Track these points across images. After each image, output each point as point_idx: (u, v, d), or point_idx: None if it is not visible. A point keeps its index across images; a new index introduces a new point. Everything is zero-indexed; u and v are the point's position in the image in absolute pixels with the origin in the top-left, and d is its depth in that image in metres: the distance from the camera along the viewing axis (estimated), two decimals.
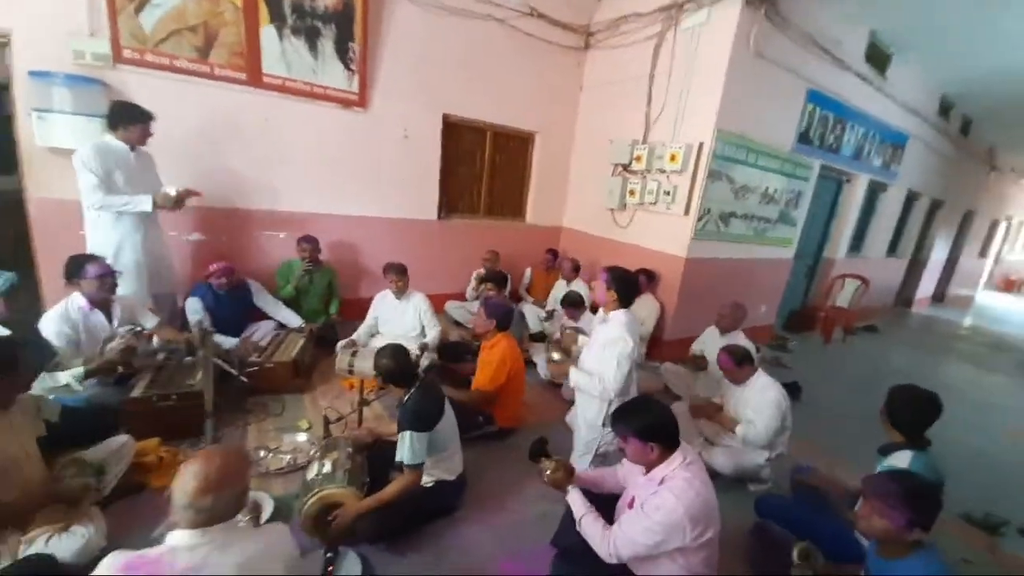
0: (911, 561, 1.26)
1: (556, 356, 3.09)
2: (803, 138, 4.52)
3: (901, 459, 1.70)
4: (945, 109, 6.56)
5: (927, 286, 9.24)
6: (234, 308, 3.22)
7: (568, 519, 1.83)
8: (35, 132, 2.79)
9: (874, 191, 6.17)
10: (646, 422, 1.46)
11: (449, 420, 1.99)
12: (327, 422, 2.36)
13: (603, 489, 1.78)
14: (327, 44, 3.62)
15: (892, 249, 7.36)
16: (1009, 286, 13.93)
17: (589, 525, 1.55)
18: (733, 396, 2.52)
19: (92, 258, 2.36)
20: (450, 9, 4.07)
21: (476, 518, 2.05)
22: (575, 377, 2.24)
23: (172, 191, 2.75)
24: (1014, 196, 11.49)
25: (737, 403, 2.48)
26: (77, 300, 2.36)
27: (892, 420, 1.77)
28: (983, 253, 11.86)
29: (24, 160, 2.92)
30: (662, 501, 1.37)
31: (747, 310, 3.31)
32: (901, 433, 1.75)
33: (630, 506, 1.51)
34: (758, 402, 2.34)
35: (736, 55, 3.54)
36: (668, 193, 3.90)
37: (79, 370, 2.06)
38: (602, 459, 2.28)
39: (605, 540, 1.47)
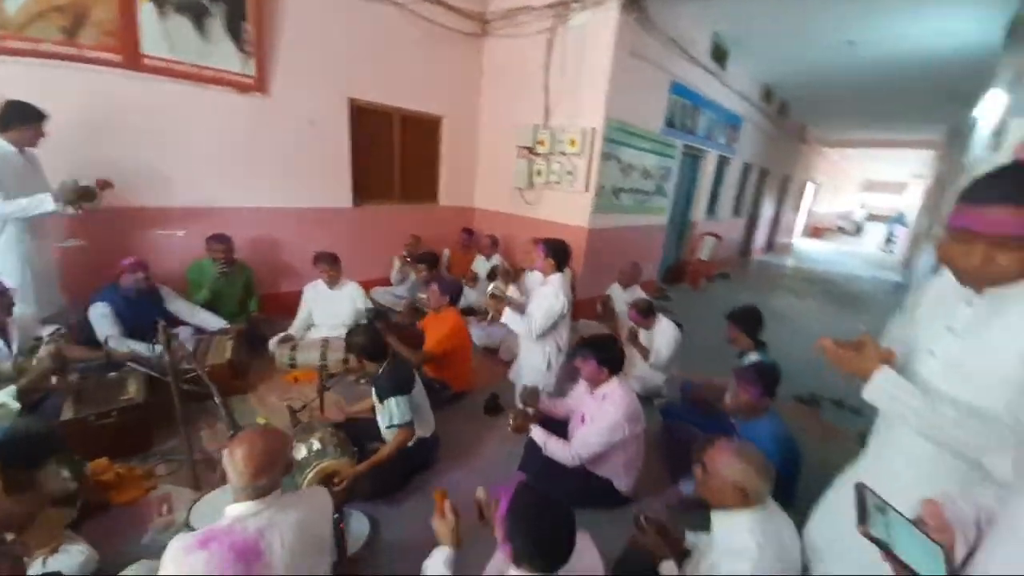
0: (763, 421, 1.93)
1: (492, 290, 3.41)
2: (669, 123, 5.41)
3: (751, 357, 2.46)
4: (767, 95, 8.16)
5: (761, 238, 11.52)
6: (148, 314, 2.97)
7: (530, 450, 2.28)
8: None
9: (721, 164, 7.53)
10: (605, 353, 1.94)
11: (419, 384, 2.27)
12: (292, 411, 2.46)
13: (556, 415, 2.23)
14: (215, 23, 3.36)
15: (736, 211, 9.05)
16: (817, 233, 17.84)
17: (553, 445, 2.00)
18: (643, 337, 3.18)
19: None
20: None
21: (453, 466, 2.40)
22: (508, 316, 2.65)
23: (81, 181, 2.47)
24: (817, 162, 14.64)
25: (646, 341, 3.14)
26: None
27: (740, 327, 2.52)
28: (797, 209, 14.98)
29: None
30: (606, 411, 1.87)
31: (641, 268, 4.04)
32: (747, 336, 2.51)
33: (582, 421, 1.99)
34: (660, 340, 3.01)
35: (616, 53, 4.13)
36: (570, 173, 4.44)
37: (11, 388, 1.90)
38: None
39: (567, 450, 1.93)
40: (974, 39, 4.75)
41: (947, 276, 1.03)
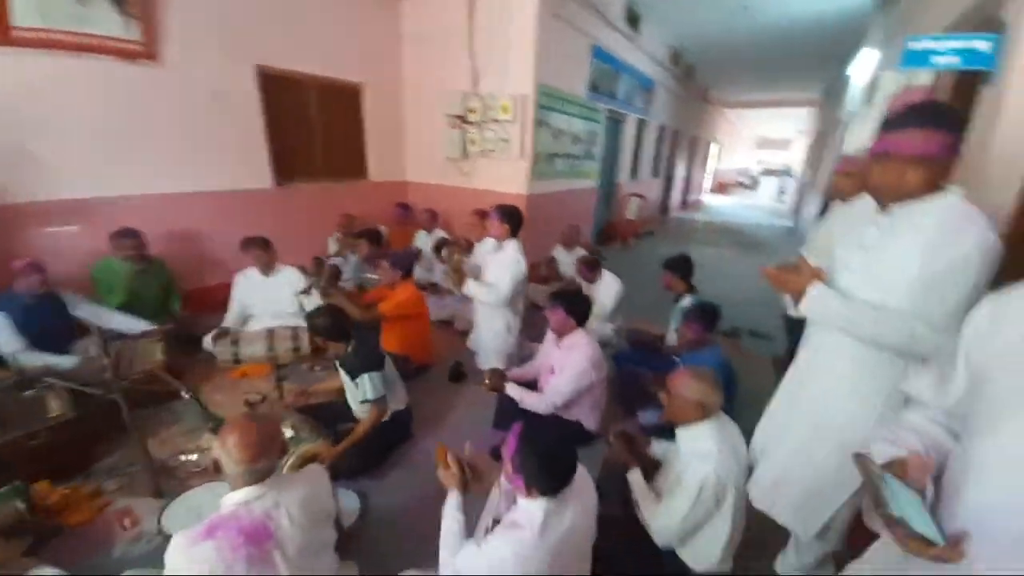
0: (705, 352, 2.21)
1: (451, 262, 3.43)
2: (593, 88, 5.57)
3: (686, 301, 2.75)
4: (675, 59, 8.63)
5: (676, 196, 12.42)
6: (52, 321, 2.62)
7: (501, 409, 2.41)
8: None
9: (640, 127, 7.93)
10: (573, 304, 2.08)
11: (387, 359, 2.27)
12: (250, 405, 2.35)
13: (526, 378, 2.37)
14: None
15: (655, 171, 9.65)
16: (722, 188, 19.56)
17: (529, 398, 2.14)
18: (587, 291, 3.39)
19: None
20: None
21: (429, 433, 2.46)
22: (472, 287, 2.72)
23: None
24: (719, 123, 15.87)
25: (592, 296, 3.35)
26: None
27: (676, 273, 2.80)
28: (704, 167, 16.27)
29: None
30: (574, 360, 2.03)
31: (580, 229, 4.24)
32: (682, 280, 2.80)
33: (552, 372, 2.15)
34: (604, 293, 3.24)
35: (540, 16, 4.14)
36: (504, 140, 4.46)
37: None
38: (513, 359, 2.89)
39: (542, 400, 2.08)
40: (850, 2, 5.37)
41: (853, 208, 1.26)
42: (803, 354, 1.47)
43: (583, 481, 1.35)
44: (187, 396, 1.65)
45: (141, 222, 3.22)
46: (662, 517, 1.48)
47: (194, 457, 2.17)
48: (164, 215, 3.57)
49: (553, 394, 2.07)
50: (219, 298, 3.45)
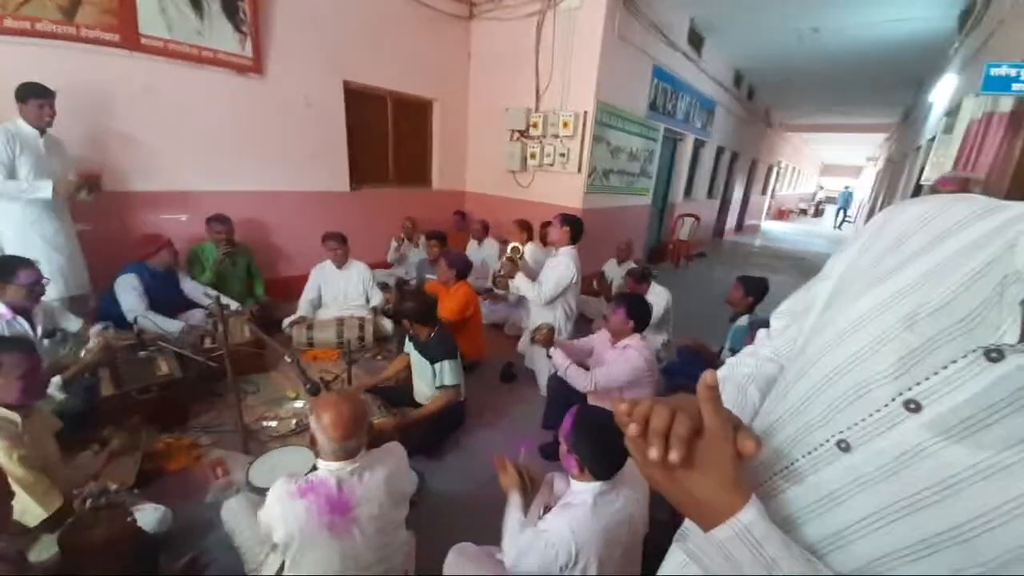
0: None
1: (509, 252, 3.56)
2: (652, 106, 5.64)
3: (743, 320, 2.74)
4: (738, 80, 8.53)
5: (732, 219, 12.07)
6: (168, 292, 3.03)
7: (551, 408, 2.49)
8: None
9: (697, 147, 7.86)
10: (635, 308, 2.16)
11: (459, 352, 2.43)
12: (326, 383, 2.57)
13: (574, 355, 2.43)
14: (213, 3, 3.32)
15: (710, 192, 9.48)
16: (781, 215, 18.73)
17: (573, 370, 2.22)
18: None
19: (24, 262, 2.10)
20: None
21: (479, 425, 2.59)
22: (519, 280, 2.87)
23: (71, 176, 2.49)
24: (781, 146, 15.33)
25: None
26: None
27: (747, 290, 2.79)
28: (764, 191, 15.69)
29: None
30: (630, 356, 2.10)
31: (633, 244, 4.29)
32: (751, 300, 2.79)
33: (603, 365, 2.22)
34: (653, 302, 3.27)
35: (606, 37, 4.30)
36: (563, 155, 4.62)
37: (57, 379, 1.95)
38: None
39: (587, 377, 2.15)
40: (929, 26, 5.15)
41: None
42: None
43: (635, 474, 1.41)
44: (288, 360, 1.86)
45: (232, 213, 3.60)
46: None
47: (274, 424, 2.41)
48: (252, 209, 3.98)
49: (602, 375, 2.13)
50: (293, 288, 3.80)
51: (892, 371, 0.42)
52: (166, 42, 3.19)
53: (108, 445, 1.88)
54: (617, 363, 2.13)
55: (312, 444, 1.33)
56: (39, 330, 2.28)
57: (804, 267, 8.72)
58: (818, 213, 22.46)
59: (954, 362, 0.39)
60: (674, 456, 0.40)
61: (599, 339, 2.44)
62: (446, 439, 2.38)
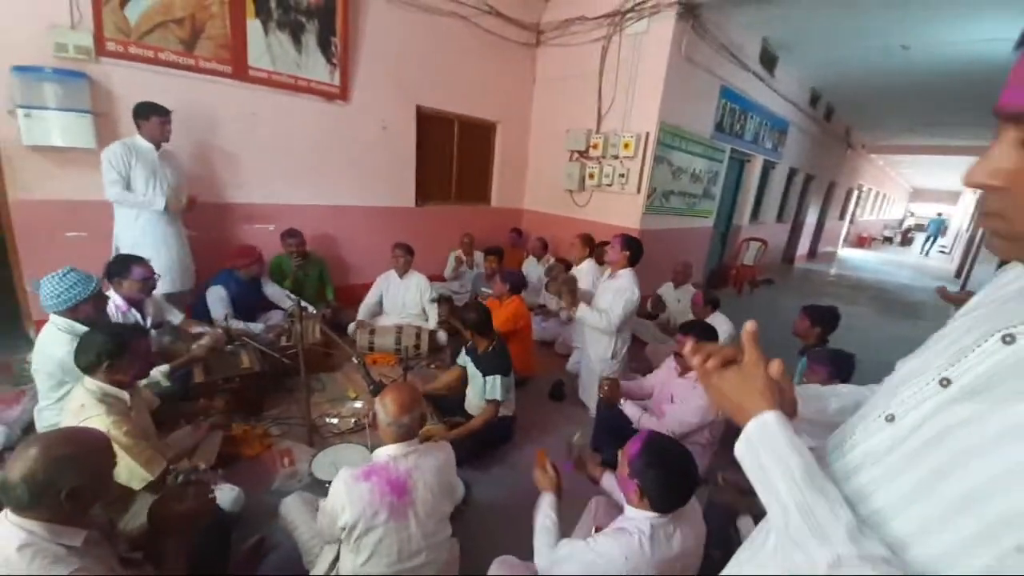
0: None
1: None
2: (718, 127, 5.50)
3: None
4: (814, 99, 8.08)
5: (804, 245, 11.29)
6: (252, 296, 3.36)
7: (600, 429, 2.46)
8: (22, 130, 2.68)
9: (767, 169, 7.51)
10: (704, 335, 2.11)
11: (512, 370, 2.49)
12: (383, 386, 2.72)
13: (635, 394, 2.40)
14: (310, 38, 3.73)
15: (780, 216, 8.96)
16: (861, 242, 17.24)
17: (647, 420, 2.17)
18: None
19: (138, 260, 2.44)
20: (420, 6, 4.33)
21: (527, 440, 2.61)
22: (584, 311, 2.81)
23: (183, 197, 2.91)
24: (863, 168, 14.22)
25: None
26: (114, 300, 2.44)
27: (816, 321, 2.62)
28: (842, 216, 14.56)
29: (3, 160, 2.77)
30: (700, 392, 2.03)
31: (692, 268, 4.16)
32: (821, 332, 2.62)
33: (671, 401, 2.16)
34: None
35: (671, 59, 4.29)
36: (623, 176, 4.61)
37: (165, 367, 2.22)
38: None
39: (661, 426, 2.09)
40: None
41: None
42: None
43: (694, 511, 1.36)
44: (355, 362, 2.01)
45: (309, 225, 3.95)
46: None
47: (335, 421, 2.58)
48: (328, 222, 4.33)
49: (674, 422, 2.07)
50: (360, 296, 4.05)
51: (945, 362, 0.53)
52: (270, 73, 3.61)
53: (209, 418, 2.09)
54: (688, 402, 2.07)
55: (373, 424, 1.49)
56: (149, 320, 2.62)
57: (886, 300, 7.95)
58: (906, 241, 20.43)
59: (979, 345, 0.50)
60: (711, 363, 0.65)
61: (665, 368, 2.38)
62: (494, 452, 2.42)
